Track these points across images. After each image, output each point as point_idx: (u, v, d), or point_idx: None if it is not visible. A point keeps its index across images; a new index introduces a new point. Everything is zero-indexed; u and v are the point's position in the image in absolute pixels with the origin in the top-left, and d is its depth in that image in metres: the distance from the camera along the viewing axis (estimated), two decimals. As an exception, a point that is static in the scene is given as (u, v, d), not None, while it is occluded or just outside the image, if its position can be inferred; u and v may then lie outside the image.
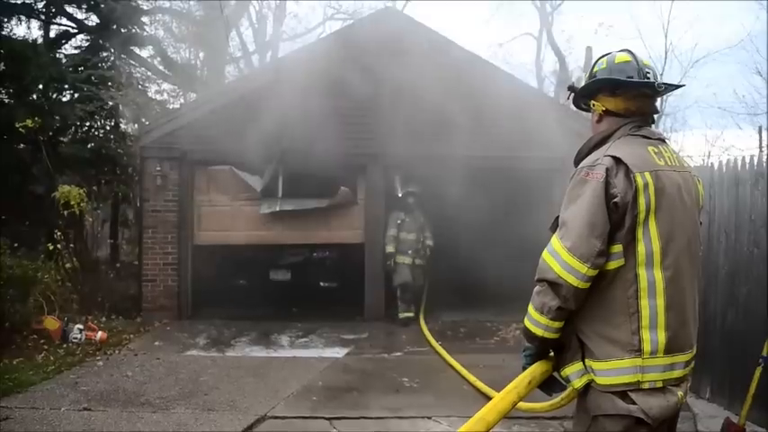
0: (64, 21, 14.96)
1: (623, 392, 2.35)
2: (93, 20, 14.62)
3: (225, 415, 5.75)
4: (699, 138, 30.19)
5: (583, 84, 2.67)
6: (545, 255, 2.42)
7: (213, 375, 6.99)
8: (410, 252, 9.92)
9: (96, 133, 12.17)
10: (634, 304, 2.35)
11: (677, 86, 2.72)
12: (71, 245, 9.79)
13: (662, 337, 2.34)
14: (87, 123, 11.94)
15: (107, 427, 5.34)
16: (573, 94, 2.73)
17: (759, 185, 5.40)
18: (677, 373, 2.39)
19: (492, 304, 10.02)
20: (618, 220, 2.34)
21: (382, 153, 9.80)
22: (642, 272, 2.34)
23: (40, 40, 13.78)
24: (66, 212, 9.31)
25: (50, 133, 10.89)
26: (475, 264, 9.81)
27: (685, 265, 2.42)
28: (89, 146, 11.41)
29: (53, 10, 13.97)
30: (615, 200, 2.32)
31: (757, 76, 25.58)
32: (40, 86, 11.36)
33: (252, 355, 8.00)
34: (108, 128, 12.34)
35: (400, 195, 10.06)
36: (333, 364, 7.51)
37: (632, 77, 2.52)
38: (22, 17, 12.93)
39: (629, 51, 2.58)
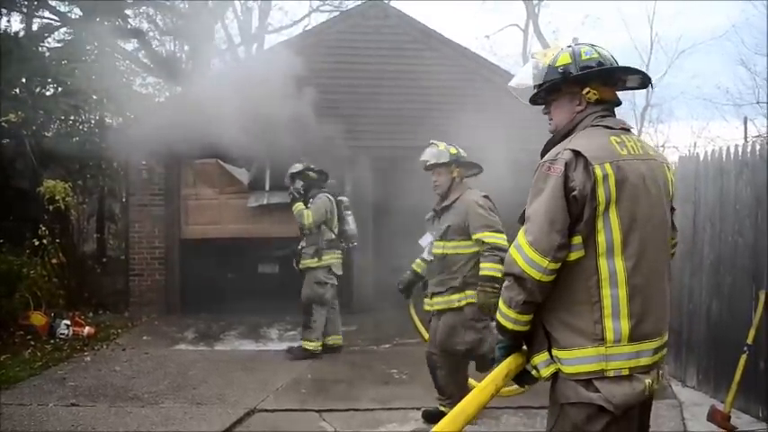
0: (47, 14, 14.80)
1: (588, 381, 2.37)
2: (77, 12, 14.47)
3: (214, 408, 5.75)
4: (685, 129, 30.48)
5: (576, 72, 2.58)
6: (511, 249, 2.48)
7: (202, 369, 6.99)
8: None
9: (81, 127, 12.06)
10: (596, 294, 2.37)
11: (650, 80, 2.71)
12: (57, 240, 9.70)
13: (625, 325, 2.36)
14: (72, 117, 11.83)
15: (95, 423, 5.32)
16: (562, 79, 2.61)
17: (743, 176, 5.44)
18: (644, 361, 2.40)
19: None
20: (578, 212, 2.36)
21: (369, 146, 9.79)
22: (603, 262, 2.37)
23: (22, 34, 13.62)
24: (51, 207, 9.25)
25: (34, 127, 10.77)
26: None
27: (651, 254, 2.42)
28: (74, 140, 11.29)
29: (35, 3, 13.80)
30: (574, 193, 2.35)
31: (741, 68, 25.82)
32: (23, 80, 11.22)
33: (241, 349, 8.00)
34: (93, 121, 12.24)
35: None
36: (322, 357, 7.51)
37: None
38: (4, 10, 12.75)
39: (594, 45, 2.63)
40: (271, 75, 9.24)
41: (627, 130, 2.58)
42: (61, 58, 12.35)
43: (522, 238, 2.43)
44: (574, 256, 2.39)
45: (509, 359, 2.58)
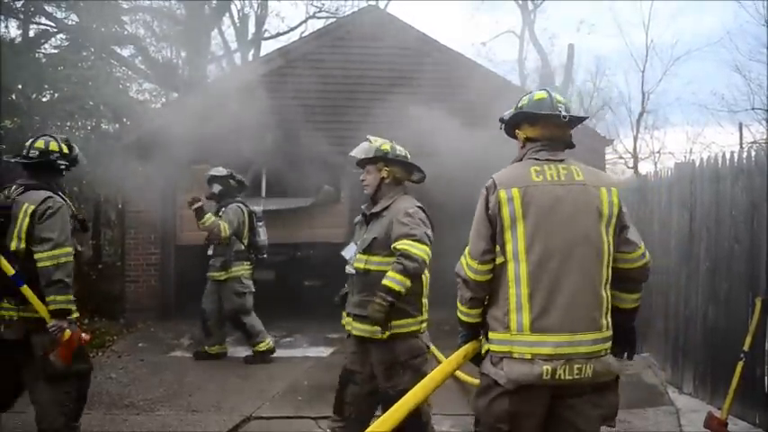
0: (43, 20, 14.80)
1: (500, 358, 2.91)
2: (73, 19, 14.48)
3: (210, 416, 5.73)
4: (680, 135, 30.55)
5: (512, 114, 3.19)
6: (461, 259, 3.07)
7: (197, 376, 6.97)
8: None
9: (77, 134, 12.04)
10: (506, 291, 2.92)
11: (584, 118, 3.28)
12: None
13: (526, 318, 2.86)
14: (68, 123, 11.81)
15: (91, 430, 5.29)
16: (503, 125, 3.25)
17: (739, 181, 5.46)
18: (546, 350, 2.81)
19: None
20: (494, 225, 2.95)
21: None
22: (511, 266, 2.91)
23: (18, 40, 13.62)
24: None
25: (30, 134, 10.75)
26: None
27: (558, 262, 2.86)
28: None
29: (32, 9, 13.80)
30: (489, 211, 2.96)
31: (736, 74, 25.95)
32: (20, 86, 11.21)
33: (236, 356, 7.97)
34: (89, 128, 12.23)
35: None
36: (317, 363, 7.50)
37: (548, 111, 3.05)
38: (1, 16, 12.75)
39: (546, 90, 3.14)
40: (264, 82, 9.27)
41: (557, 161, 3.03)
42: (58, 64, 12.35)
43: (466, 249, 3.04)
44: (499, 260, 2.95)
45: (467, 345, 3.18)
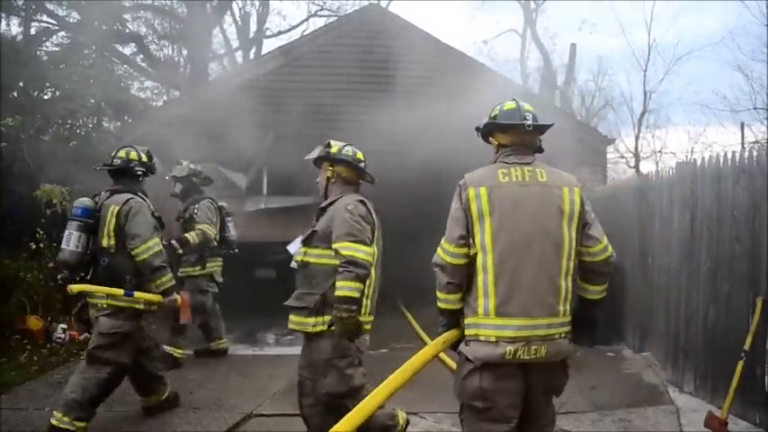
0: (45, 18, 14.81)
1: (468, 341, 3.27)
2: (75, 17, 14.48)
3: (210, 413, 5.73)
4: (682, 134, 30.49)
5: (487, 123, 3.52)
6: (437, 249, 3.35)
7: (198, 374, 6.97)
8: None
9: (78, 131, 12.04)
10: (476, 279, 3.24)
11: (548, 126, 3.53)
12: (54, 244, 9.67)
13: (491, 304, 3.19)
14: (69, 121, 11.82)
15: (91, 428, 5.29)
16: (479, 132, 3.57)
17: (741, 181, 5.45)
18: (510, 333, 3.16)
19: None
20: (467, 219, 3.27)
21: (365, 150, 9.78)
22: (480, 257, 3.23)
23: (20, 37, 13.62)
24: (48, 211, 9.21)
25: (31, 131, 10.76)
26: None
27: (521, 254, 3.20)
28: (71, 144, 11.27)
29: (33, 6, 13.81)
30: (461, 206, 3.30)
31: (738, 74, 25.92)
32: (21, 84, 11.21)
33: (237, 354, 7.98)
34: (90, 126, 12.22)
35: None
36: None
37: (515, 121, 3.41)
38: (2, 14, 12.75)
39: (515, 100, 3.49)
40: (268, 80, 9.27)
41: (524, 164, 3.37)
42: (59, 62, 12.35)
43: (442, 240, 3.34)
44: (472, 251, 3.26)
45: (447, 333, 3.43)
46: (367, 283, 4.07)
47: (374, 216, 4.26)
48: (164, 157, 9.80)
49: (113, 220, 5.07)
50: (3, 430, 5.24)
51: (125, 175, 5.36)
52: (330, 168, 4.44)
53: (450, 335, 3.42)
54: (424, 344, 8.17)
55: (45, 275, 9.40)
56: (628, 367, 7.22)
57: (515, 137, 3.44)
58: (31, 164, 9.87)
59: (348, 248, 3.95)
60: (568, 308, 3.28)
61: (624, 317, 8.26)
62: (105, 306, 5.04)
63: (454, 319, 3.41)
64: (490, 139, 3.53)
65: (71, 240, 5.05)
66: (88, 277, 5.09)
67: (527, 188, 3.29)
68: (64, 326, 8.17)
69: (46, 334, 8.04)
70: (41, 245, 9.20)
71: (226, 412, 5.75)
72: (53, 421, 4.82)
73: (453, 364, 5.68)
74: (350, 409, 3.26)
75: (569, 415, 5.56)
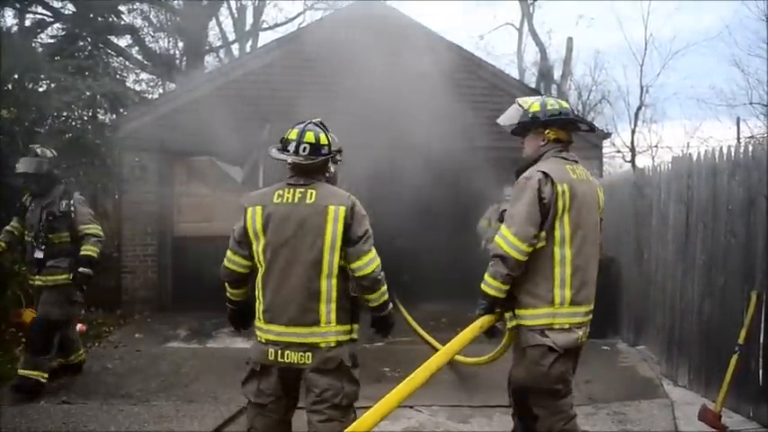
0: (39, 9, 14.73)
1: (542, 331, 3.48)
2: (70, 8, 14.41)
3: (206, 406, 5.74)
4: (678, 129, 30.48)
5: (548, 116, 3.63)
6: (497, 239, 3.49)
7: (194, 367, 6.97)
8: None
9: (74, 124, 12.00)
10: (551, 271, 3.46)
11: (592, 129, 4.08)
12: (49, 236, 9.64)
13: (568, 294, 3.47)
14: (64, 114, 11.77)
15: (87, 421, 5.31)
16: (531, 119, 3.64)
17: (736, 176, 5.46)
18: (578, 319, 3.53)
19: (475, 295, 9.99)
20: (545, 214, 3.42)
21: (362, 143, 9.76)
22: (557, 250, 3.46)
23: (15, 29, 13.56)
24: (43, 204, 9.17)
25: (26, 124, 10.71)
26: (457, 254, 9.80)
27: (587, 247, 3.54)
28: (66, 136, 11.24)
29: (28, -2, 13.76)
30: (544, 201, 3.41)
31: (735, 68, 25.94)
32: (16, 76, 11.16)
33: (233, 347, 7.97)
34: (85, 118, 12.18)
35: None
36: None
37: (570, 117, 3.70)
38: (-3, 6, 12.69)
39: (566, 101, 3.77)
40: (265, 74, 9.22)
41: (576, 161, 3.65)
42: (54, 54, 12.30)
43: (505, 230, 3.45)
44: (539, 245, 3.45)
45: (484, 317, 3.61)
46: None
47: None
48: (159, 150, 9.85)
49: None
50: (-1, 423, 5.24)
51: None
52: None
53: (486, 319, 3.63)
54: (419, 337, 8.26)
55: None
56: (623, 361, 7.24)
57: (567, 134, 3.70)
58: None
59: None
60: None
61: (619, 311, 8.28)
62: None
63: (495, 305, 3.60)
64: (545, 131, 3.65)
65: None
66: None
67: (586, 185, 3.60)
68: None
69: (41, 327, 8.00)
70: (37, 238, 9.15)
71: (222, 405, 5.75)
72: None
73: (467, 360, 5.67)
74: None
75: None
